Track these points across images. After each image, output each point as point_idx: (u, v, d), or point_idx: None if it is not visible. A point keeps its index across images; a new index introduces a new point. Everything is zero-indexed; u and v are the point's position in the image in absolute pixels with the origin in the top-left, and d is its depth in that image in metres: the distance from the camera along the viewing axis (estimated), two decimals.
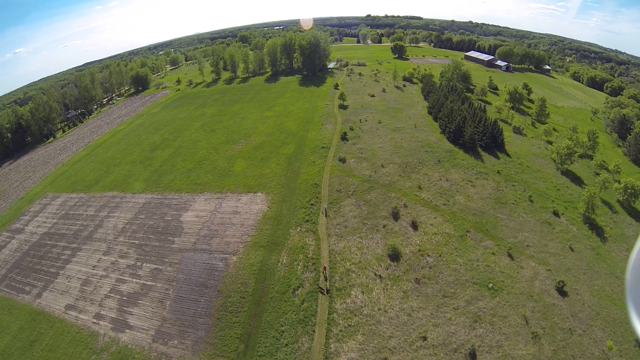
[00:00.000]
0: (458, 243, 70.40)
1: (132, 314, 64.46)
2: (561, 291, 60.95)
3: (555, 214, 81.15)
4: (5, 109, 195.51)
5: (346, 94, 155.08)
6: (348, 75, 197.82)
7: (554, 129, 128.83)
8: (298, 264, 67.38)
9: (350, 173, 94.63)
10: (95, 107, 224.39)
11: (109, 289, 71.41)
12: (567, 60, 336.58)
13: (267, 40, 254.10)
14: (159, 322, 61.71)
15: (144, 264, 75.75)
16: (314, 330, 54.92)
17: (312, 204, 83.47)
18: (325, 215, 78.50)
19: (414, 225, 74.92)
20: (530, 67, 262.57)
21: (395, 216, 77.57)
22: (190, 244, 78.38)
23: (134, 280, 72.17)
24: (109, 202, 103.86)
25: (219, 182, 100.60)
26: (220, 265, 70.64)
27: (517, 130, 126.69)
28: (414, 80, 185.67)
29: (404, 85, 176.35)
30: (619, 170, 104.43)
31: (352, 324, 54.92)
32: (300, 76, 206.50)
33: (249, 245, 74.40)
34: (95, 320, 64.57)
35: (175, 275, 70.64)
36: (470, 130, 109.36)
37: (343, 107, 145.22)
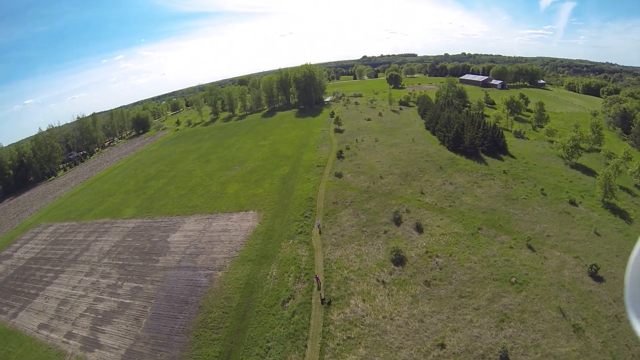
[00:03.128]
0: (470, 241, 60.12)
1: (105, 333, 56.45)
2: (596, 277, 50.13)
3: (572, 203, 70.98)
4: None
5: (342, 119, 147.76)
6: (344, 105, 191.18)
7: (556, 130, 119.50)
8: (289, 276, 57.34)
9: (347, 186, 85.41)
10: (97, 149, 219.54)
11: (85, 308, 64.23)
12: (561, 76, 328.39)
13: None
14: (131, 340, 53.17)
15: (125, 283, 68.08)
16: (305, 345, 44.46)
17: (306, 217, 74.04)
18: (319, 232, 68.11)
19: (419, 228, 64.87)
20: (525, 83, 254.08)
21: (397, 221, 67.65)
22: (174, 262, 70.11)
23: (112, 299, 64.50)
24: (99, 227, 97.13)
25: (210, 204, 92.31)
26: (204, 281, 61.67)
27: (519, 135, 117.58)
28: (410, 103, 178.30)
29: (401, 109, 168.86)
30: (630, 156, 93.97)
31: (352, 336, 44.29)
32: (297, 110, 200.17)
33: (236, 260, 65.07)
34: (65, 339, 57.37)
35: (156, 293, 62.23)
36: (470, 135, 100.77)
37: (339, 131, 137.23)
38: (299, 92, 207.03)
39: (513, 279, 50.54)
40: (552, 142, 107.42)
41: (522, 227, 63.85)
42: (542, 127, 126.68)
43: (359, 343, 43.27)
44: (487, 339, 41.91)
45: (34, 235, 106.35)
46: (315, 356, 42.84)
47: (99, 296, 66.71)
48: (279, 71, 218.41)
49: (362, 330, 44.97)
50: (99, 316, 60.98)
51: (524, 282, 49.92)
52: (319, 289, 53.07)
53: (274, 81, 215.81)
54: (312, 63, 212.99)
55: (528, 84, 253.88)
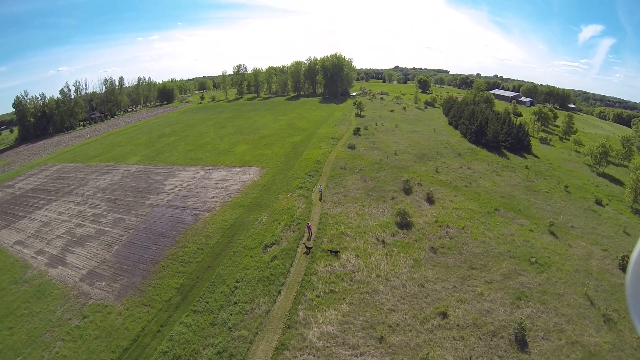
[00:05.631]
0: (485, 219, 50.62)
1: (74, 253, 52.12)
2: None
3: (599, 203, 60.46)
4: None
5: (365, 108, 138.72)
6: (370, 99, 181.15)
7: (584, 145, 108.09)
8: (279, 224, 48.87)
9: (359, 157, 76.57)
10: (120, 112, 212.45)
11: (63, 231, 60.00)
12: (592, 107, 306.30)
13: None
14: (97, 263, 48.35)
15: (110, 214, 62.94)
16: (279, 292, 36.01)
17: (309, 175, 65.66)
18: (320, 199, 56.68)
19: (430, 200, 55.53)
20: (555, 105, 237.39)
21: (407, 191, 58.35)
22: (165, 201, 63.98)
23: (92, 225, 59.82)
24: (101, 169, 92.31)
25: (215, 158, 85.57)
26: (189, 219, 54.79)
27: (544, 141, 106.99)
28: (436, 105, 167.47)
29: (426, 107, 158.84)
30: None
31: (337, 290, 35.50)
32: (322, 98, 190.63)
33: (227, 204, 57.69)
34: (34, 255, 53.85)
35: (137, 225, 56.32)
36: (494, 129, 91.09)
37: (360, 116, 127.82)
38: (326, 80, 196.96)
39: (533, 259, 41.15)
40: (578, 152, 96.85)
41: (543, 215, 54.15)
42: (569, 140, 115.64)
43: (343, 299, 34.39)
44: (499, 315, 32.65)
45: (39, 171, 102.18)
46: (288, 305, 34.20)
47: (81, 222, 61.93)
48: (308, 59, 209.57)
49: (349, 286, 36.11)
50: (74, 239, 56.36)
51: (546, 264, 40.42)
52: (308, 239, 44.46)
53: (301, 67, 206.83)
54: (341, 54, 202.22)
55: (558, 107, 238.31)
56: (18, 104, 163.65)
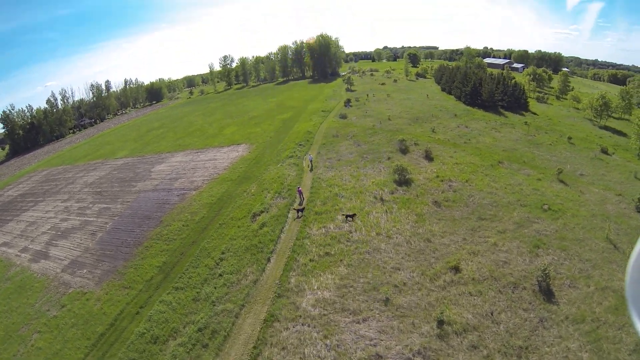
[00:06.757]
0: (489, 171, 46.47)
1: (57, 246, 48.40)
2: None
3: (604, 152, 56.70)
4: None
5: (355, 83, 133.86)
6: (360, 76, 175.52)
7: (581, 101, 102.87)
8: (268, 192, 44.57)
9: (352, 125, 72.26)
10: (109, 116, 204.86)
11: (49, 227, 56.18)
12: (585, 72, 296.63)
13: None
14: (80, 252, 44.91)
15: (95, 205, 59.24)
16: (268, 259, 31.72)
17: (300, 145, 61.38)
18: (310, 169, 51.10)
19: (429, 157, 51.14)
20: (549, 71, 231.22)
21: (404, 151, 53.85)
22: (151, 186, 59.90)
23: (78, 218, 56.31)
24: (90, 167, 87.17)
25: (203, 141, 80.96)
26: (174, 199, 50.84)
27: (541, 100, 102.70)
28: (428, 76, 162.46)
29: (417, 79, 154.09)
30: None
31: (333, 253, 31.18)
32: (311, 80, 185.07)
33: (215, 180, 53.54)
34: (19, 254, 50.15)
35: (122, 212, 52.54)
36: (489, 89, 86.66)
37: (350, 90, 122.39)
38: (313, 62, 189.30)
39: (546, 206, 37.00)
40: (577, 109, 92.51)
41: (549, 165, 50.36)
42: (566, 98, 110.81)
43: (340, 260, 30.08)
44: (518, 265, 28.46)
45: (28, 178, 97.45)
46: (278, 272, 29.87)
47: (66, 217, 58.17)
48: (295, 43, 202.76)
49: (346, 246, 31.82)
50: (59, 233, 52.64)
51: (560, 211, 36.23)
52: (300, 204, 40.23)
53: (288, 51, 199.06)
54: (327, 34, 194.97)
55: (551, 72, 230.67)
56: (5, 118, 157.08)
